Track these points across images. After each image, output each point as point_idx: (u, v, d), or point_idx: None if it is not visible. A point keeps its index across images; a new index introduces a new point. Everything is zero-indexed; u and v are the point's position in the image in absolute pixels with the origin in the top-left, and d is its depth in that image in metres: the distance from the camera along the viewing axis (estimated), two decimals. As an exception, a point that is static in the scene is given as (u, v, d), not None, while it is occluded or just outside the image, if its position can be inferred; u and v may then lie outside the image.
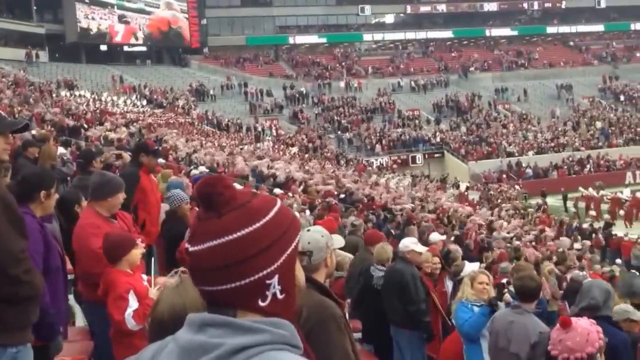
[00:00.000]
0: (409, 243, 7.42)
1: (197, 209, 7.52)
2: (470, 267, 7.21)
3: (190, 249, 1.39)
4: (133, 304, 4.41)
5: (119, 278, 4.51)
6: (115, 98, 37.95)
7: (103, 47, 53.31)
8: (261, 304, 1.38)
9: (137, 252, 4.65)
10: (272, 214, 1.41)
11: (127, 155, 11.39)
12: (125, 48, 55.10)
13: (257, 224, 1.38)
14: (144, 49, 56.05)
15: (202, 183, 1.43)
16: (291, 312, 1.44)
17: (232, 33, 60.06)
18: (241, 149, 28.90)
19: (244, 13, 60.17)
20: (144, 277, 4.65)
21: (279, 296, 1.39)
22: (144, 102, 41.79)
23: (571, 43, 68.45)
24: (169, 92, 46.95)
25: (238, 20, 60.32)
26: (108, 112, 28.59)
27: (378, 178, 30.84)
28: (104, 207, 5.08)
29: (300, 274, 1.49)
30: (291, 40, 62.23)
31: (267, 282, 1.38)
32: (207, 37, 59.17)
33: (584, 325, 3.21)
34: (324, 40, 63.56)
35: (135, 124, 26.18)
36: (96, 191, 5.12)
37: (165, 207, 7.62)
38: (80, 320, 6.08)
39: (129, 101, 39.63)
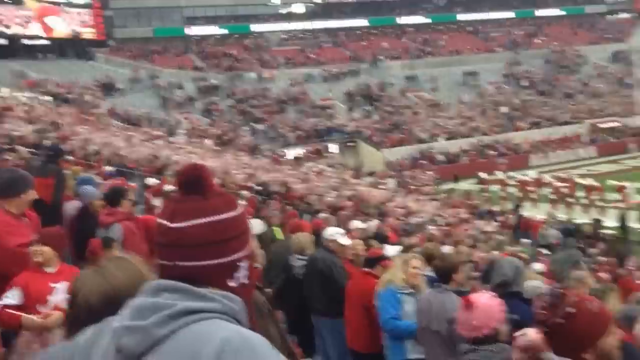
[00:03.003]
0: (334, 233, 7.41)
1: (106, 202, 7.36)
2: (391, 250, 7.19)
3: (172, 225, 1.47)
4: (7, 299, 4.20)
5: (21, 274, 4.36)
6: (16, 94, 36.29)
7: (2, 41, 50.85)
8: (230, 283, 1.50)
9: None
10: (241, 206, 1.56)
11: (23, 149, 11.06)
12: (26, 41, 52.75)
13: (237, 211, 1.53)
14: (46, 42, 53.86)
15: (189, 167, 1.55)
16: (250, 297, 1.61)
17: (139, 25, 58.60)
18: (154, 143, 28.20)
19: (150, 4, 58.70)
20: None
21: (243, 280, 1.53)
22: (48, 98, 40.16)
23: (470, 28, 70.57)
24: (75, 86, 45.33)
25: (144, 12, 58.89)
26: (9, 109, 27.29)
27: (294, 168, 30.81)
28: (15, 204, 4.79)
29: None
30: (199, 32, 61.29)
31: (239, 264, 1.51)
32: (113, 29, 57.44)
33: (485, 301, 3.30)
34: (231, 31, 62.83)
35: (39, 120, 25.10)
36: (7, 188, 4.81)
37: (76, 204, 7.37)
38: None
39: (32, 97, 37.98)
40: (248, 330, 1.42)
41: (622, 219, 25.42)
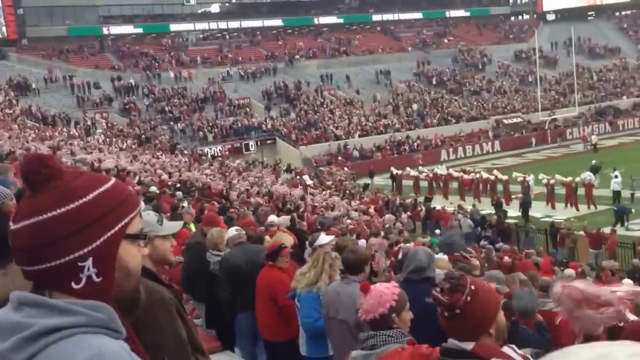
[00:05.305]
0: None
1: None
2: (325, 238, 7.16)
3: (11, 227, 1.37)
4: None
5: None
6: None
7: None
8: (74, 286, 1.34)
9: None
10: (94, 194, 1.37)
11: None
12: None
13: (72, 205, 1.34)
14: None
15: (24, 161, 1.41)
16: (109, 296, 1.38)
17: (53, 23, 57.50)
18: (70, 143, 28.24)
19: (63, 2, 57.65)
20: None
21: (95, 279, 1.35)
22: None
23: (378, 28, 72.56)
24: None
25: (58, 10, 57.80)
26: None
27: (213, 166, 31.37)
28: None
29: (132, 259, 1.45)
30: (115, 31, 60.77)
31: (80, 264, 1.34)
32: (25, 28, 56.26)
33: (379, 288, 3.40)
34: (148, 30, 62.55)
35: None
36: None
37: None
38: None
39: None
40: (112, 346, 1.29)
41: (524, 209, 27.40)
